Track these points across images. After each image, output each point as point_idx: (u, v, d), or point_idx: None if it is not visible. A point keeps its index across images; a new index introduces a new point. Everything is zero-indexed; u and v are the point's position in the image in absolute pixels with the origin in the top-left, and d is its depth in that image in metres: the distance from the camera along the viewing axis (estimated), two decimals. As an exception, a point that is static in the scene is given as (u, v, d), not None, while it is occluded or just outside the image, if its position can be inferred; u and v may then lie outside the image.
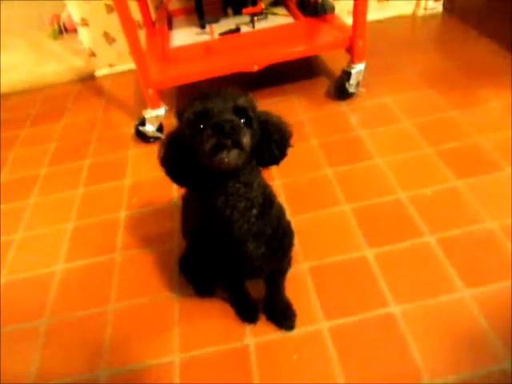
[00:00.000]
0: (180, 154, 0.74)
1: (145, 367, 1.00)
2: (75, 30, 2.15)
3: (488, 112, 1.53)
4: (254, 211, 0.78)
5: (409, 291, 1.05)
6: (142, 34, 1.78)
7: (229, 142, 0.65)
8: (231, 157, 0.66)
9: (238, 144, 0.66)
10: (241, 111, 0.69)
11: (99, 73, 2.21)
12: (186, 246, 1.11)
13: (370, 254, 1.15)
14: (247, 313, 1.05)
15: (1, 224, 1.44)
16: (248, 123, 0.69)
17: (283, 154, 0.79)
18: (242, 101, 0.70)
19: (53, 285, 1.21)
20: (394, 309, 1.02)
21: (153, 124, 1.60)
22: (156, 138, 1.63)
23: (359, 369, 0.93)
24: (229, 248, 0.81)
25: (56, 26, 2.44)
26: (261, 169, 0.80)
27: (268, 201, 0.81)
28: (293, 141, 0.80)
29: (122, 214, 1.39)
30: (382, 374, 0.92)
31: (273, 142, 0.77)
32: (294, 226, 0.92)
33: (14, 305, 1.19)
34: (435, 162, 1.37)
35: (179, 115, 0.74)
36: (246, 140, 0.67)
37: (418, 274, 1.09)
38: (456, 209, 1.22)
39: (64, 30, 2.44)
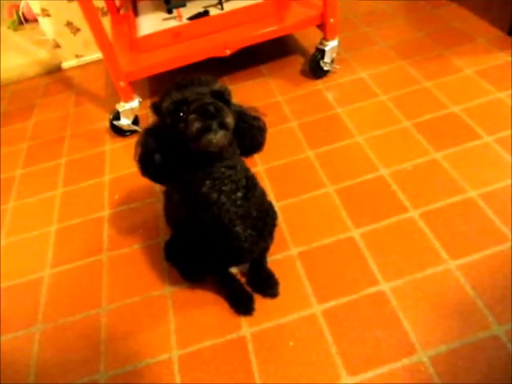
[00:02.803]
0: (160, 147, 0.75)
1: (143, 366, 1.00)
2: (36, 20, 2.05)
3: (462, 80, 1.54)
4: (239, 194, 0.80)
5: (397, 267, 1.07)
6: (107, 22, 1.72)
7: (215, 124, 0.67)
8: (218, 137, 0.68)
9: (223, 125, 0.68)
10: (217, 95, 0.71)
11: (66, 64, 2.12)
12: (171, 234, 1.13)
13: (356, 234, 1.16)
14: (241, 303, 1.06)
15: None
16: (226, 106, 0.71)
17: (263, 140, 0.82)
18: (217, 86, 0.72)
19: (42, 291, 1.20)
20: (384, 286, 1.04)
21: (128, 117, 1.56)
22: (132, 132, 1.60)
23: (355, 349, 0.95)
24: (216, 233, 0.83)
25: (15, 17, 2.32)
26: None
27: (251, 183, 0.84)
28: (271, 124, 0.83)
29: (106, 213, 1.37)
30: (377, 352, 0.94)
31: (253, 129, 0.80)
32: (279, 212, 0.96)
33: (4, 314, 1.17)
34: (413, 135, 1.38)
35: (156, 107, 0.75)
36: (230, 120, 0.69)
37: (404, 249, 1.11)
38: (437, 181, 1.24)
39: (24, 21, 2.33)
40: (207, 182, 0.76)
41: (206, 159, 0.74)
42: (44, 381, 1.02)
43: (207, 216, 0.80)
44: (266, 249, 1.02)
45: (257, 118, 0.81)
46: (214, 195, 0.77)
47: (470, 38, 1.71)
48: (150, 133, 0.77)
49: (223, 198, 0.78)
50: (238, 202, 0.80)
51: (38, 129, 1.79)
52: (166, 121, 0.71)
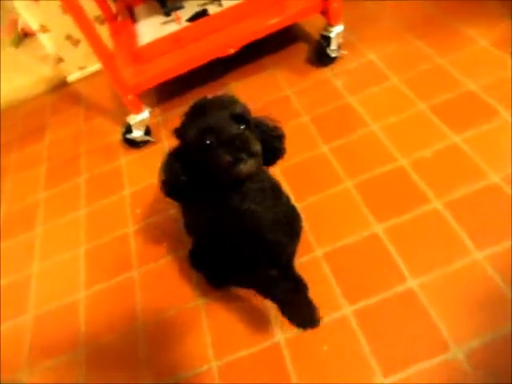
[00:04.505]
0: (185, 170, 0.77)
1: (185, 378, 1.04)
2: (36, 34, 2.04)
3: (477, 53, 1.47)
4: (268, 202, 0.83)
5: (423, 262, 1.06)
6: (105, 30, 1.71)
7: (244, 156, 0.69)
8: (249, 167, 0.70)
9: (252, 154, 0.70)
10: (239, 118, 0.73)
11: (71, 78, 2.12)
12: (193, 241, 1.14)
13: (379, 229, 1.15)
14: (299, 313, 0.98)
15: (15, 260, 1.45)
16: (248, 127, 0.73)
17: (284, 149, 0.84)
18: (237, 108, 0.74)
19: (80, 313, 1.24)
20: (412, 283, 1.04)
21: (139, 129, 1.56)
22: (146, 142, 1.60)
23: (388, 348, 0.96)
24: (246, 241, 0.84)
25: (15, 35, 2.30)
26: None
27: (277, 190, 0.87)
28: (283, 122, 0.85)
29: (130, 229, 1.39)
30: (411, 350, 0.95)
31: (274, 141, 0.82)
32: (300, 212, 0.99)
33: (48, 338, 1.22)
34: (430, 118, 1.34)
35: (180, 133, 0.77)
36: (258, 147, 0.72)
37: (429, 242, 1.10)
38: (458, 167, 1.21)
39: (24, 36, 2.31)
40: (236, 197, 0.79)
41: (236, 182, 0.76)
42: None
43: (237, 226, 0.82)
44: (293, 252, 1.03)
45: (275, 128, 0.83)
46: (244, 206, 0.80)
47: (482, 7, 1.60)
48: (174, 156, 0.80)
49: (253, 208, 0.80)
50: (267, 211, 0.82)
51: (53, 149, 1.81)
52: (191, 148, 0.73)
